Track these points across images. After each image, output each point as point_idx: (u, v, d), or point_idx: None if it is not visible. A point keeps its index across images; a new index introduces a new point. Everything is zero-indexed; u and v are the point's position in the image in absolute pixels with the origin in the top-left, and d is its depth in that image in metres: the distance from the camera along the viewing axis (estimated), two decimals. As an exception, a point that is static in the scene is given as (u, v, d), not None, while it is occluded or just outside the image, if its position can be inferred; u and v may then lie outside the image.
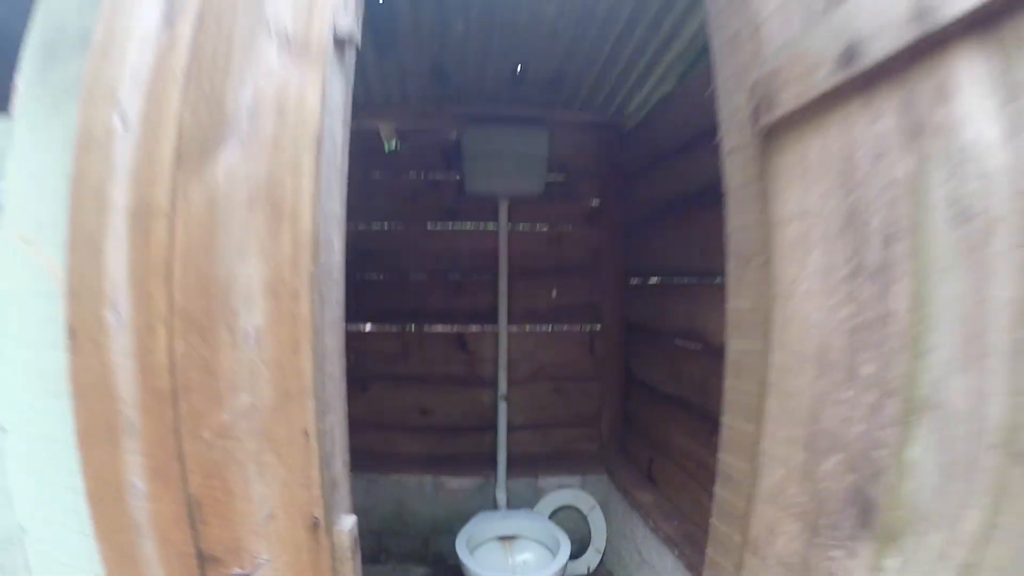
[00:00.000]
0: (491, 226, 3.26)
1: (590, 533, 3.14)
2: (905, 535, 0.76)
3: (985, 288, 0.66)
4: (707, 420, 2.20)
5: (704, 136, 2.16)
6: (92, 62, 1.21)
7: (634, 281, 3.25)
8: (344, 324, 1.21)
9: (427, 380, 3.33)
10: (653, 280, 3.02)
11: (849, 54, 0.82)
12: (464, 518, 2.87)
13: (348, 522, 1.12)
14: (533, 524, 2.81)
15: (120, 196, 1.13)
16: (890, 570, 0.79)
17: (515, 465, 3.19)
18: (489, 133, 2.99)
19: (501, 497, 3.08)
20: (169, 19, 1.16)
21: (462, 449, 3.32)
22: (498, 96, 3.09)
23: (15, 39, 1.70)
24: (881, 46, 0.77)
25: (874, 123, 0.82)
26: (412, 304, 3.33)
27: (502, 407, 3.17)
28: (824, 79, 0.88)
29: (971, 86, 0.69)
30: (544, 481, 3.19)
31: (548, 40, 2.53)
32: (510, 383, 3.24)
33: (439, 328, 3.36)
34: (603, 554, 3.11)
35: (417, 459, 3.28)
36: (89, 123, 1.18)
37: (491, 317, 3.25)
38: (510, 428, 3.22)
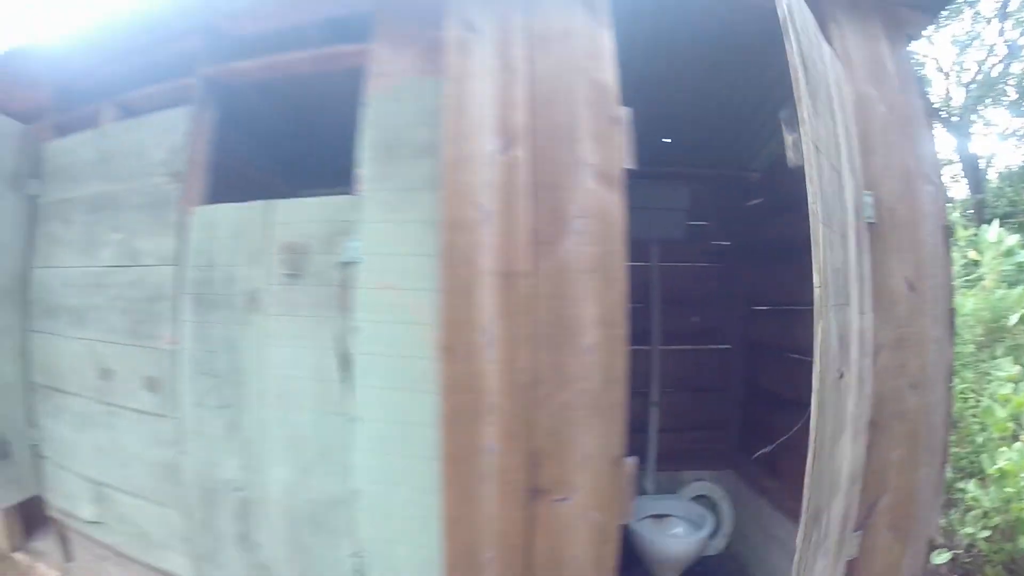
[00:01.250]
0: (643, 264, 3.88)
1: (719, 520, 3.65)
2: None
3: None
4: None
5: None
6: (448, 172, 1.86)
7: (757, 308, 3.88)
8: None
9: (588, 389, 4.00)
10: (772, 308, 3.66)
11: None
12: (618, 502, 3.48)
13: (631, 459, 1.80)
14: (680, 505, 3.46)
15: (487, 262, 1.81)
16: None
17: (659, 460, 3.79)
18: (642, 188, 3.65)
19: (650, 486, 3.72)
20: (506, 146, 1.84)
21: (617, 446, 3.93)
22: (644, 156, 3.75)
23: (334, 141, 2.33)
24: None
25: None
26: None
27: (654, 412, 3.81)
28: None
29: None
30: (683, 474, 3.81)
31: (693, 125, 3.25)
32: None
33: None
34: (729, 539, 3.64)
35: (578, 454, 3.93)
36: (456, 213, 1.84)
37: (642, 338, 3.85)
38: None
